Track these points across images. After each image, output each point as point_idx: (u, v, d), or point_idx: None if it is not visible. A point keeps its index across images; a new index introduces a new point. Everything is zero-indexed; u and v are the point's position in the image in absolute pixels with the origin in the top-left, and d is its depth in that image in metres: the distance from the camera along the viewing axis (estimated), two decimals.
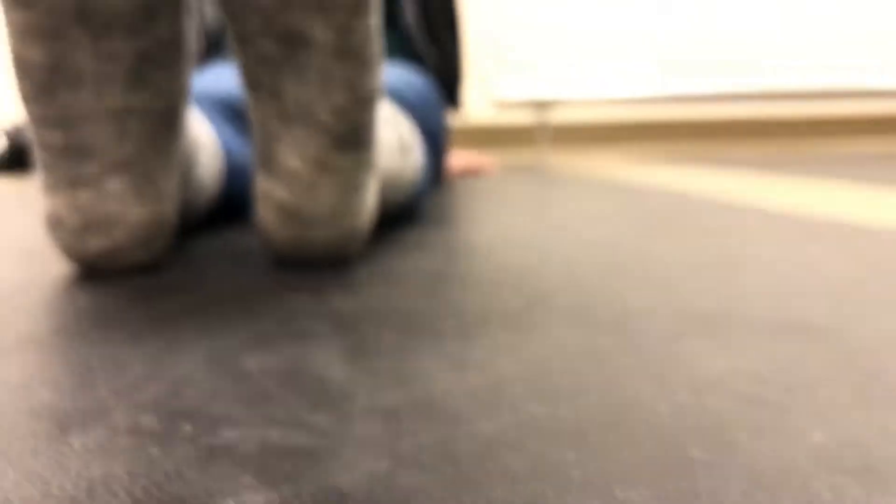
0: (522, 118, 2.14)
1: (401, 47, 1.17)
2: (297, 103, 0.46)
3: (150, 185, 0.47)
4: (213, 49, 1.00)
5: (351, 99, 0.46)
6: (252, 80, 0.47)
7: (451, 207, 0.87)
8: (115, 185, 0.46)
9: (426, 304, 0.40)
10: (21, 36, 0.42)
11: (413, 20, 1.17)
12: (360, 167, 0.49)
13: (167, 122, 0.48)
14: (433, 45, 1.20)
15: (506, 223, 0.72)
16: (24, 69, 0.43)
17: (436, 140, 1.09)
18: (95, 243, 0.46)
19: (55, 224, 0.46)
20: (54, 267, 0.52)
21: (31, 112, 0.44)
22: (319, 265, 0.51)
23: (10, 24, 0.43)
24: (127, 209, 0.46)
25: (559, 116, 2.18)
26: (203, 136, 0.62)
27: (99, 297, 0.43)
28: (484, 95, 1.99)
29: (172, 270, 0.50)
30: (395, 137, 0.63)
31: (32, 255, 0.57)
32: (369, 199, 0.51)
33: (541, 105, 1.99)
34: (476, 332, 0.34)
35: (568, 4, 2.14)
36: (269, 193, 0.49)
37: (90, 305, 0.41)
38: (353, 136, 0.47)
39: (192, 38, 0.49)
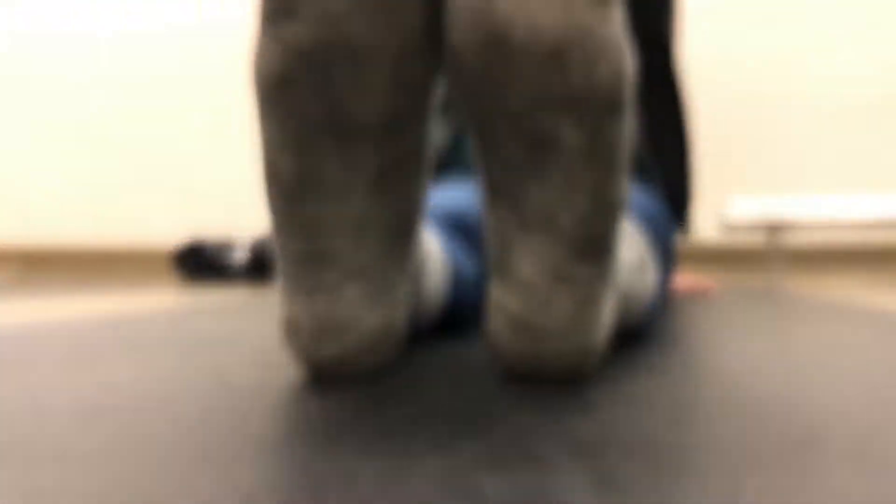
0: (753, 240, 2.03)
1: (636, 161, 1.16)
2: (537, 210, 0.44)
3: (384, 293, 0.47)
4: (438, 168, 1.04)
5: (595, 206, 0.43)
6: (493, 186, 0.46)
7: (681, 329, 0.81)
8: (351, 291, 0.46)
9: (677, 435, 0.35)
10: (274, 147, 0.44)
11: (640, 134, 1.15)
12: (599, 280, 0.45)
13: (404, 232, 0.48)
14: (659, 162, 1.17)
15: (744, 348, 0.65)
16: (274, 179, 0.44)
17: (666, 258, 1.04)
18: (328, 349, 0.47)
19: (292, 330, 0.47)
20: (288, 373, 0.52)
21: (277, 221, 0.45)
22: (551, 382, 0.47)
23: (265, 135, 0.44)
24: (360, 315, 0.47)
25: (793, 239, 2.04)
26: (432, 247, 0.63)
27: (329, 403, 0.42)
28: (712, 216, 1.91)
29: (400, 379, 0.49)
30: (636, 254, 0.60)
31: (268, 361, 0.59)
32: (606, 315, 0.47)
33: (773, 227, 1.88)
34: (742, 472, 0.29)
35: (800, 123, 2.04)
36: (501, 304, 0.47)
37: (320, 412, 0.40)
38: (594, 246, 0.44)
39: (432, 150, 0.50)
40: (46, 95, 2.28)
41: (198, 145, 2.25)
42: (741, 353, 0.63)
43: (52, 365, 0.57)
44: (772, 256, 1.92)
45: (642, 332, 0.73)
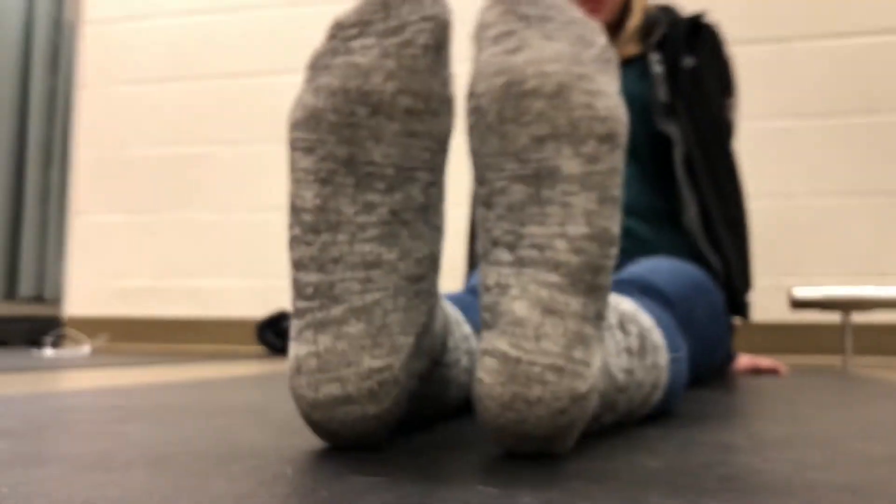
0: (825, 320, 1.96)
1: (684, 246, 1.16)
2: (532, 244, 0.48)
3: (386, 337, 0.49)
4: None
5: (588, 234, 0.47)
6: (493, 239, 0.49)
7: (742, 405, 0.80)
8: (354, 328, 0.48)
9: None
10: (300, 181, 0.50)
11: (693, 221, 1.16)
12: (590, 317, 0.47)
13: (411, 282, 0.50)
14: (714, 247, 1.17)
15: (816, 422, 0.65)
16: (296, 212, 0.50)
17: (708, 341, 1.04)
18: (327, 390, 0.48)
19: (295, 370, 0.50)
20: (305, 440, 0.56)
21: (295, 255, 0.50)
22: (537, 437, 0.47)
23: (293, 171, 0.50)
24: (360, 355, 0.48)
25: (863, 318, 1.96)
26: (465, 329, 0.64)
27: (331, 473, 0.46)
28: (779, 293, 1.87)
29: (401, 449, 0.52)
30: (632, 338, 0.61)
31: (290, 427, 0.63)
32: (594, 367, 0.48)
33: (843, 304, 1.82)
34: None
35: (867, 205, 1.98)
36: (490, 347, 0.48)
37: (330, 485, 0.43)
38: (586, 276, 0.47)
39: (441, 218, 0.53)
40: (141, 178, 2.45)
41: (281, 223, 2.36)
42: (792, 425, 0.63)
43: (112, 422, 0.63)
44: (843, 337, 1.85)
45: (671, 411, 0.73)
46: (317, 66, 0.50)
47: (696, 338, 0.97)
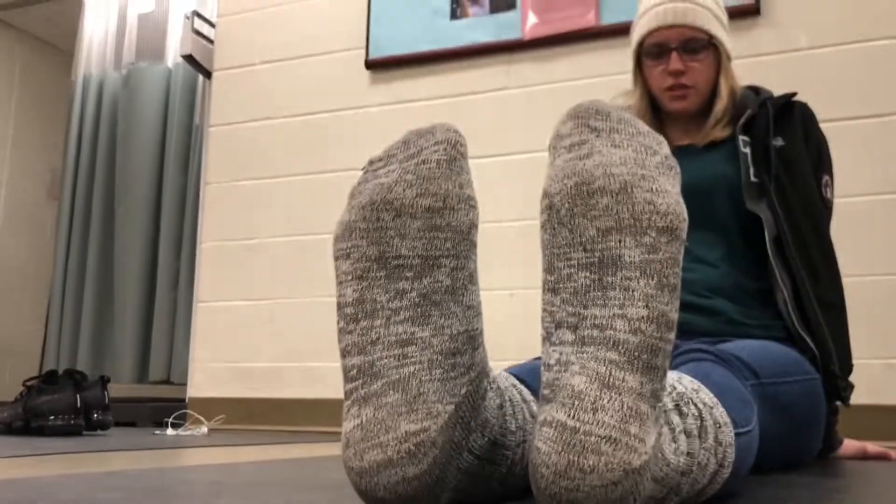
0: None
1: (777, 329, 1.13)
2: (594, 325, 0.51)
3: (422, 404, 0.53)
4: None
5: (647, 316, 0.51)
6: (556, 321, 0.54)
7: (815, 488, 0.78)
8: (390, 399, 0.53)
9: None
10: (341, 282, 0.58)
11: (786, 303, 1.14)
12: (646, 395, 0.50)
13: (446, 356, 0.55)
14: (808, 330, 1.13)
15: None
16: (340, 308, 0.57)
17: (803, 421, 1.01)
18: (370, 456, 0.53)
19: (344, 445, 0.55)
20: None
21: (341, 344, 0.57)
22: None
23: (337, 273, 0.59)
24: (397, 421, 0.53)
25: None
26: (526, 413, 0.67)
27: None
28: (891, 376, 1.77)
29: None
30: (689, 420, 0.62)
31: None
32: (648, 444, 0.49)
33: None
34: None
35: None
36: (548, 418, 0.50)
37: None
38: (643, 355, 0.50)
39: (474, 298, 0.58)
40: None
41: None
42: None
43: (207, 496, 0.68)
44: None
45: (738, 489, 0.72)
46: (352, 193, 0.61)
47: (787, 416, 0.94)
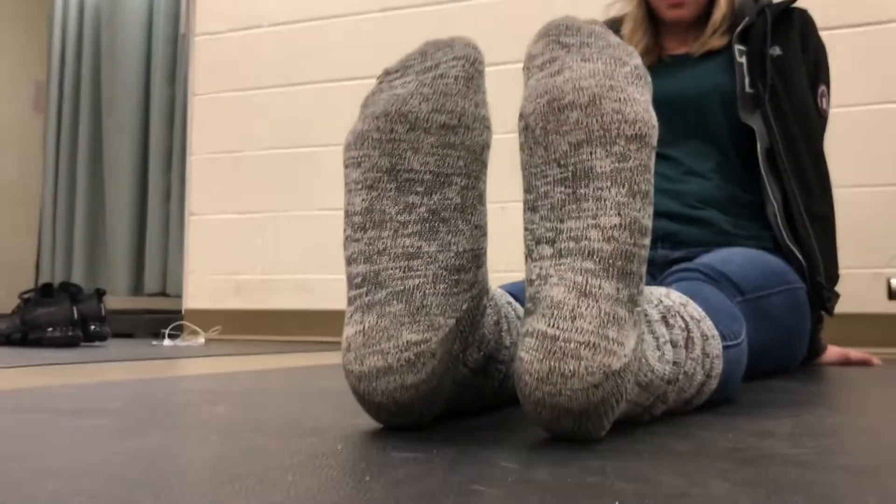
0: None
1: (766, 239, 1.14)
2: (570, 237, 0.53)
3: (424, 316, 0.54)
4: None
5: (619, 224, 0.52)
6: (536, 238, 0.55)
7: (799, 394, 0.80)
8: (394, 308, 0.55)
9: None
10: (351, 190, 0.58)
11: (775, 215, 1.14)
12: (623, 300, 0.51)
13: (451, 272, 0.56)
14: (796, 241, 1.15)
15: (866, 412, 0.65)
16: (348, 216, 0.58)
17: (787, 331, 1.03)
18: (370, 362, 0.54)
19: (345, 349, 0.56)
20: (364, 421, 0.61)
21: (346, 252, 0.57)
22: (572, 411, 0.50)
23: (346, 184, 0.58)
24: (399, 330, 0.54)
25: None
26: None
27: (375, 449, 0.51)
28: (878, 284, 1.80)
29: (445, 431, 0.57)
30: (676, 330, 0.63)
31: (355, 410, 0.67)
32: (627, 347, 0.51)
33: None
34: None
35: None
36: (529, 329, 0.52)
37: (371, 458, 0.49)
38: (618, 262, 0.51)
39: (481, 218, 0.59)
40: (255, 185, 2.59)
41: None
42: (871, 415, 0.64)
43: (203, 403, 0.70)
44: None
45: (731, 398, 0.74)
46: (366, 103, 0.60)
47: (772, 327, 0.96)
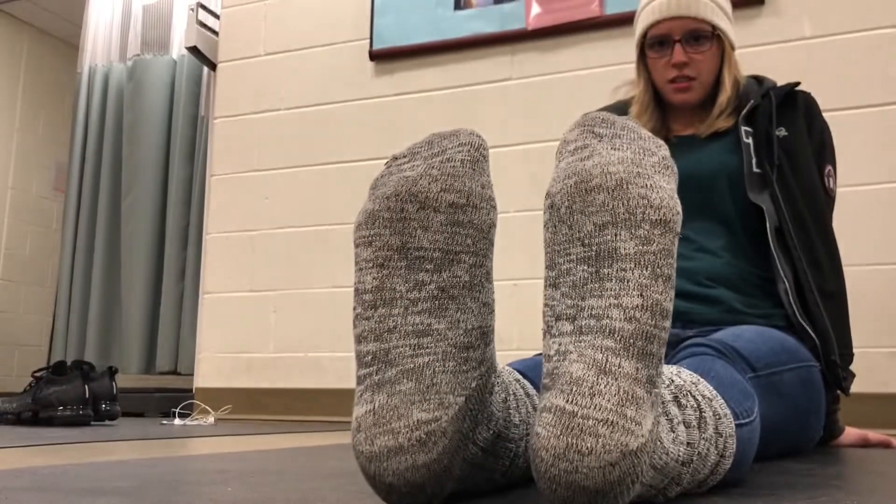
0: None
1: (778, 318, 1.13)
2: (591, 315, 0.53)
3: (435, 395, 0.54)
4: None
5: (642, 305, 0.52)
6: (556, 314, 0.55)
7: (815, 476, 0.79)
8: (404, 387, 0.55)
9: None
10: (361, 269, 0.59)
11: (787, 293, 1.14)
12: (642, 381, 0.51)
13: (460, 350, 0.56)
14: (809, 320, 1.14)
15: (883, 495, 0.64)
16: (358, 294, 0.58)
17: (801, 409, 1.01)
18: (381, 441, 0.54)
19: (355, 429, 0.56)
20: (376, 502, 0.60)
21: (356, 330, 0.58)
22: (587, 495, 0.50)
23: (357, 260, 0.59)
24: (410, 409, 0.54)
25: None
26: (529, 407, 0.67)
27: None
28: (895, 365, 1.78)
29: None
30: (688, 411, 0.63)
31: (367, 491, 0.67)
32: (645, 428, 0.51)
33: None
34: None
35: None
36: (547, 404, 0.52)
37: None
38: (639, 342, 0.52)
39: (489, 296, 0.60)
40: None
41: None
42: (888, 498, 0.63)
43: (213, 484, 0.70)
44: None
45: (743, 478, 0.73)
46: (375, 185, 0.62)
47: (785, 405, 0.95)
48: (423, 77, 2.41)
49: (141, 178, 3.10)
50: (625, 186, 0.55)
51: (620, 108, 1.31)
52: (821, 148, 1.26)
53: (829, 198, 1.25)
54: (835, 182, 1.28)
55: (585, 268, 0.55)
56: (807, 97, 1.28)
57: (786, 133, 1.23)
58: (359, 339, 0.58)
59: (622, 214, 0.55)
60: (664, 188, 0.56)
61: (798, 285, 1.15)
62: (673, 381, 0.65)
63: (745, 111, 1.23)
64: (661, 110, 1.29)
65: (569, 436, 0.50)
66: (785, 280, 1.14)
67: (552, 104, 2.20)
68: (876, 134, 1.90)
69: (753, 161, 1.20)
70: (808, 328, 1.12)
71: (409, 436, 0.54)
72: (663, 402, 0.61)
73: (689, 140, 1.25)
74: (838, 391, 1.16)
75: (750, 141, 1.21)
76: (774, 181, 1.19)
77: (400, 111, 2.43)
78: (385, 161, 0.63)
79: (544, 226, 0.59)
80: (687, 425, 0.62)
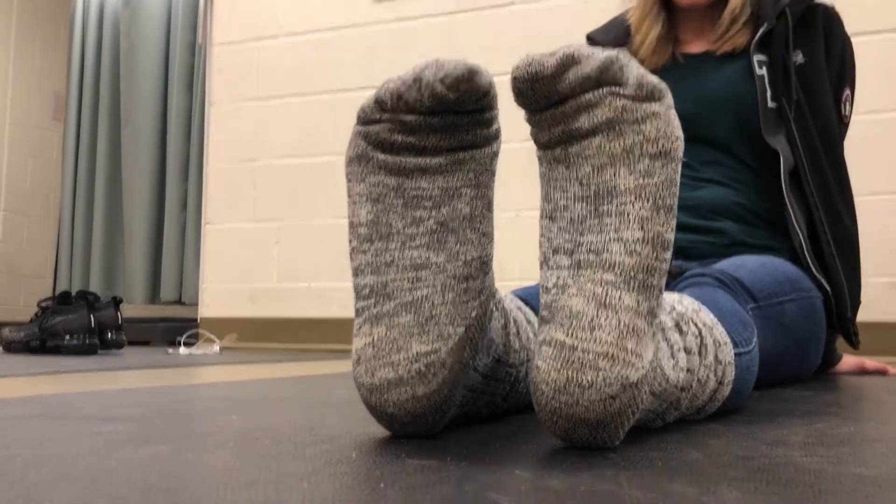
0: None
1: (785, 251, 1.11)
2: (590, 249, 0.52)
3: (434, 326, 0.54)
4: None
5: (642, 238, 0.51)
6: (554, 247, 0.54)
7: (813, 403, 0.80)
8: (403, 320, 0.55)
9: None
10: (355, 202, 0.57)
11: (801, 245, 1.10)
12: (642, 313, 0.51)
13: (459, 281, 0.56)
14: (823, 269, 1.10)
15: (879, 421, 0.65)
16: (353, 227, 0.57)
17: (801, 338, 1.02)
18: (381, 374, 0.54)
19: (355, 361, 0.56)
20: (378, 429, 0.61)
21: (353, 263, 0.57)
22: (588, 423, 0.50)
23: (349, 196, 0.57)
24: (409, 342, 0.54)
25: None
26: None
27: (389, 457, 0.51)
28: (893, 295, 1.79)
29: (459, 438, 0.57)
30: (689, 337, 0.63)
31: (369, 418, 0.68)
32: (645, 360, 0.51)
33: None
34: None
35: None
36: (547, 338, 0.52)
37: (385, 466, 0.49)
38: (639, 275, 0.51)
39: (489, 224, 0.58)
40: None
41: None
42: (885, 424, 0.64)
43: (219, 411, 0.71)
44: None
45: (741, 405, 0.74)
46: (363, 117, 0.58)
47: (786, 334, 0.96)
48: (424, 2, 2.36)
49: (140, 107, 3.07)
50: (617, 128, 0.53)
51: (618, 24, 1.25)
52: (840, 69, 1.18)
53: (842, 124, 1.19)
54: (850, 108, 1.21)
55: (584, 205, 0.54)
56: (827, 11, 1.17)
57: (803, 59, 1.15)
58: (356, 273, 0.57)
59: (620, 154, 0.53)
60: (659, 114, 0.53)
61: (813, 235, 1.11)
62: (674, 308, 0.65)
63: (757, 36, 1.14)
64: (670, 17, 1.20)
65: (569, 369, 0.50)
66: (799, 232, 1.10)
67: (557, 29, 2.15)
68: (886, 61, 1.87)
69: (769, 94, 1.13)
70: (823, 283, 1.09)
71: (408, 368, 0.54)
72: (664, 329, 0.61)
73: (702, 59, 1.18)
74: (849, 344, 1.15)
75: (764, 72, 1.14)
76: (792, 119, 1.12)
77: (400, 37, 2.39)
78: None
79: (538, 160, 0.57)
80: (688, 351, 0.63)
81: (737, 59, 1.16)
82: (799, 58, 1.14)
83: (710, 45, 1.18)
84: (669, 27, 1.20)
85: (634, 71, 0.53)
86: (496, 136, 0.58)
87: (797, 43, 1.15)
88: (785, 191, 1.11)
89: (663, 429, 0.62)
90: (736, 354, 0.69)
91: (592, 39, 1.28)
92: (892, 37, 1.89)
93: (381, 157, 0.56)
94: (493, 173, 0.58)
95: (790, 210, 1.11)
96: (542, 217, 0.57)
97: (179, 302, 3.00)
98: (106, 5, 3.23)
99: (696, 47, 1.20)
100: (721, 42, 1.16)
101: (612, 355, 0.50)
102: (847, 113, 1.21)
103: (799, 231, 1.10)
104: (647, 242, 0.52)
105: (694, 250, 1.10)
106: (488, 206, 0.58)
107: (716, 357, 0.66)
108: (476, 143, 0.57)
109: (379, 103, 0.57)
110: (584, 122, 0.53)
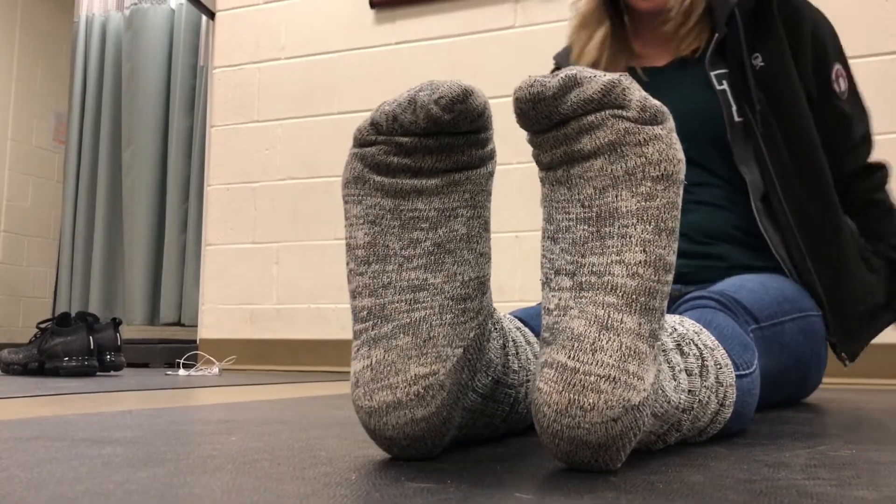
0: None
1: (782, 271, 1.09)
2: (592, 272, 0.52)
3: (432, 348, 0.54)
4: None
5: (644, 261, 0.51)
6: (556, 269, 0.54)
7: (814, 425, 0.80)
8: (401, 342, 0.54)
9: None
10: (352, 224, 0.57)
11: (782, 258, 1.07)
12: (644, 335, 0.51)
13: (457, 302, 0.56)
14: (806, 282, 1.06)
15: (884, 444, 0.65)
16: (351, 249, 0.57)
17: (801, 359, 1.01)
18: (379, 397, 0.54)
19: (354, 384, 0.56)
20: (378, 452, 0.61)
21: (351, 286, 0.57)
22: (589, 445, 0.50)
23: (346, 218, 0.57)
24: (407, 364, 0.54)
25: None
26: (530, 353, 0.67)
27: (388, 479, 0.51)
28: None
29: (459, 460, 0.57)
30: (690, 359, 0.63)
31: (368, 440, 0.67)
32: (647, 382, 0.51)
33: None
34: None
35: None
36: (549, 360, 0.52)
37: (384, 488, 0.49)
38: (641, 298, 0.51)
39: (486, 244, 0.59)
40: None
41: None
42: (889, 447, 0.63)
43: (218, 433, 0.70)
44: None
45: (744, 428, 0.74)
46: (359, 139, 0.57)
47: (786, 355, 0.95)
48: (425, 25, 2.38)
49: (141, 128, 3.08)
50: (619, 150, 0.53)
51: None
52: (818, 51, 1.10)
53: (839, 100, 1.11)
54: (846, 81, 1.12)
55: (586, 227, 0.54)
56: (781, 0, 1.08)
57: (762, 63, 1.07)
58: (354, 295, 0.57)
59: (622, 177, 0.53)
60: (660, 136, 0.53)
61: (791, 256, 1.07)
62: (676, 329, 0.65)
63: (710, 51, 1.08)
64: (619, 24, 1.16)
65: (571, 391, 0.50)
66: (777, 256, 1.07)
67: (555, 53, 2.17)
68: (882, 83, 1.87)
69: (734, 109, 1.07)
70: (810, 289, 1.06)
71: (406, 390, 0.54)
72: (666, 350, 0.61)
73: (664, 74, 1.13)
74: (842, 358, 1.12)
75: (725, 86, 1.07)
76: (759, 135, 1.06)
77: (401, 60, 2.41)
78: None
79: (541, 181, 0.57)
80: (689, 373, 0.63)
81: (695, 67, 1.11)
82: (758, 60, 1.07)
83: (670, 53, 1.13)
84: (626, 40, 1.16)
85: (637, 94, 0.54)
86: (491, 157, 0.59)
87: (754, 45, 1.07)
88: (758, 217, 1.07)
89: (665, 451, 0.62)
90: (737, 377, 0.69)
91: (556, 61, 1.29)
92: (890, 59, 1.90)
93: (378, 179, 0.57)
94: (489, 193, 0.59)
95: (766, 235, 1.07)
96: (543, 238, 0.57)
97: (179, 323, 2.99)
98: (108, 27, 3.25)
99: (657, 60, 1.15)
100: (679, 42, 1.11)
101: (614, 378, 0.50)
102: (843, 88, 1.11)
103: (777, 254, 1.07)
104: (650, 265, 0.52)
105: (695, 276, 1.07)
106: (485, 226, 0.58)
107: (717, 379, 0.66)
108: (471, 163, 0.57)
109: (374, 125, 0.57)
110: (586, 143, 0.53)
